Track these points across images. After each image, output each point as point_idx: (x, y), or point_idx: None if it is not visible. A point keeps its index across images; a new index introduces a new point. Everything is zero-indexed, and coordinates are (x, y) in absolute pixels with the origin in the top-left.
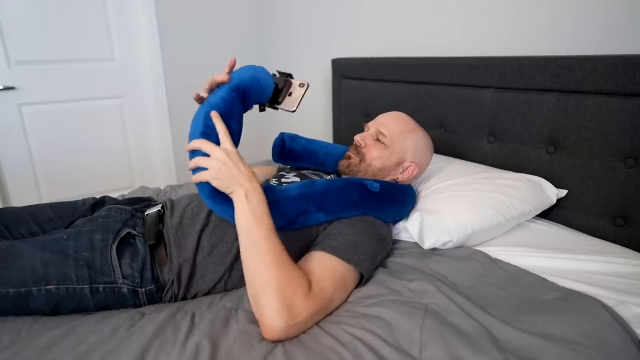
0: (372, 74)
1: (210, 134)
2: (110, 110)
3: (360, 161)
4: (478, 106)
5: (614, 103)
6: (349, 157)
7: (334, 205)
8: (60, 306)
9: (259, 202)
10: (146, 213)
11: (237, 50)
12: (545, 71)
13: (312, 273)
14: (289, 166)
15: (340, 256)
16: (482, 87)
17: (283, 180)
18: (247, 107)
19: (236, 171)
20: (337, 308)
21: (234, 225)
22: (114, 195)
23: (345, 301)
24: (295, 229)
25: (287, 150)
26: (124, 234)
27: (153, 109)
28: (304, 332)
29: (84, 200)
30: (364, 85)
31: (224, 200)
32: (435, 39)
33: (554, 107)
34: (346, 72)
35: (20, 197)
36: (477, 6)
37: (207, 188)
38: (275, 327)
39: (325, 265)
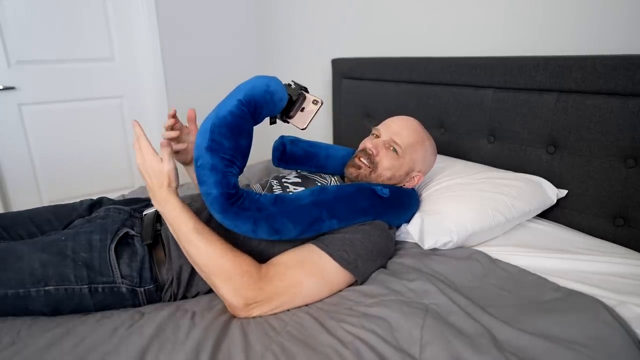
0: (372, 74)
1: (217, 149)
2: (110, 110)
3: (372, 171)
4: (478, 106)
5: (614, 103)
6: (359, 167)
7: (346, 211)
8: (60, 307)
9: (172, 218)
10: (144, 213)
11: (237, 50)
12: (545, 71)
13: (279, 263)
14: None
15: (329, 252)
16: (482, 87)
17: (284, 180)
18: (257, 122)
19: (149, 185)
20: (336, 303)
21: None
22: (114, 194)
23: (345, 299)
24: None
25: (288, 154)
26: (122, 234)
27: (153, 109)
28: (277, 308)
29: (81, 201)
30: (364, 85)
31: (235, 215)
32: (435, 39)
33: (554, 107)
34: (346, 72)
35: (20, 196)
36: (477, 6)
37: (217, 203)
38: (235, 307)
39: (299, 255)
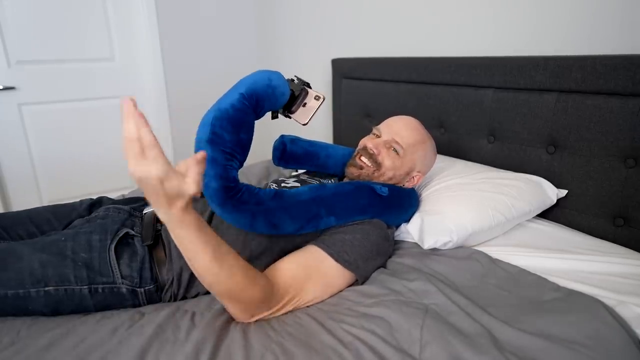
0: (372, 74)
1: (218, 142)
2: (110, 110)
3: (375, 171)
4: (478, 106)
5: (614, 103)
6: (361, 167)
7: (345, 209)
8: (59, 307)
9: (188, 242)
10: (144, 212)
11: (237, 50)
12: (545, 71)
13: (283, 269)
14: (287, 170)
15: (331, 254)
16: (482, 87)
17: (283, 185)
18: (258, 116)
19: (153, 196)
20: (335, 303)
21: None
22: (114, 194)
23: (345, 299)
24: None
25: (288, 153)
26: (122, 234)
27: (153, 109)
28: (279, 313)
29: (81, 201)
30: (364, 85)
31: (233, 208)
32: (435, 39)
33: (554, 107)
34: (346, 72)
35: (20, 197)
36: (477, 7)
37: (216, 195)
38: (239, 319)
39: (301, 258)
